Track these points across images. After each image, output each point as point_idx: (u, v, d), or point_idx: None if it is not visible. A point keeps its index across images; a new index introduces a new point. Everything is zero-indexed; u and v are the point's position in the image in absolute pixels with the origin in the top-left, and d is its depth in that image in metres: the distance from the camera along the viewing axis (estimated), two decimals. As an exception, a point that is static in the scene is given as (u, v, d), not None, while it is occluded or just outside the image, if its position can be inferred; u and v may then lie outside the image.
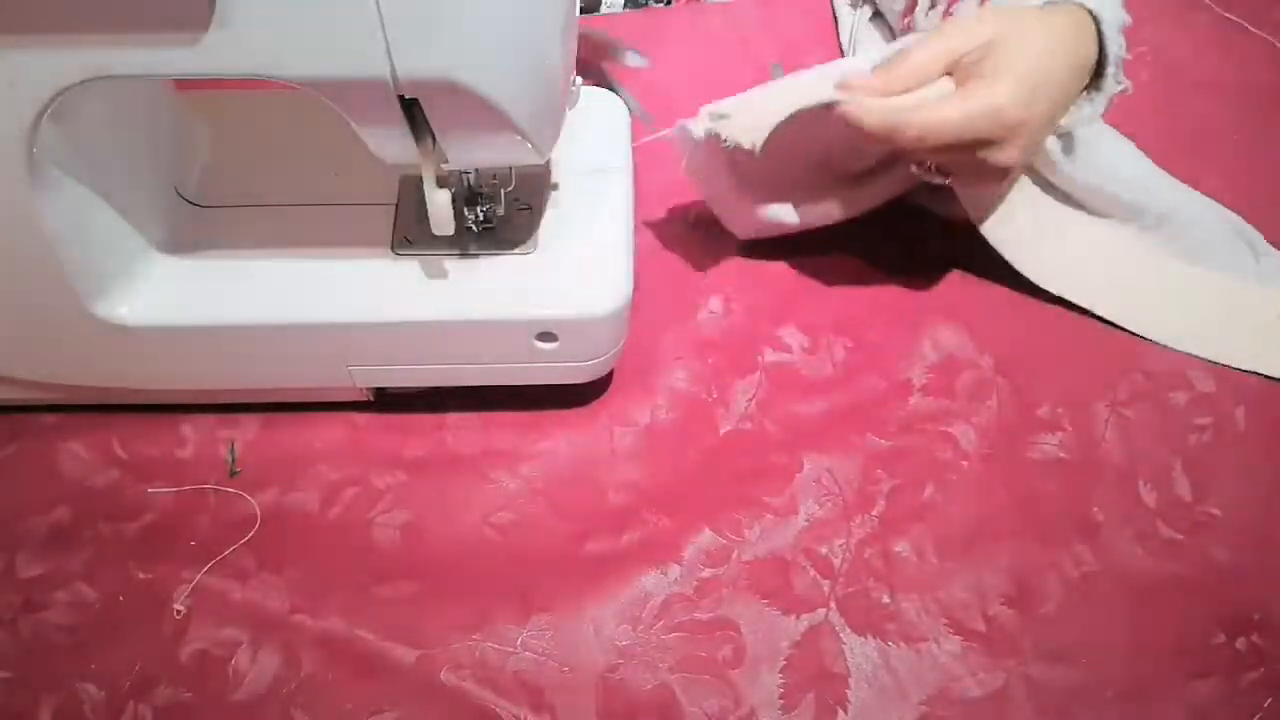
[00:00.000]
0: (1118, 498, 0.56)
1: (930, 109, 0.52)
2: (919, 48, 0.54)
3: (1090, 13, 0.55)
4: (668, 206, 0.67)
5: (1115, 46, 0.55)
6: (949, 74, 0.53)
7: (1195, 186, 0.68)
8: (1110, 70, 0.56)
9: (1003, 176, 0.55)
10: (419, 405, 0.59)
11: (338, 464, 0.57)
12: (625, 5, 0.80)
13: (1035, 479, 0.57)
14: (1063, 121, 0.57)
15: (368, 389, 0.58)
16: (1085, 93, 0.57)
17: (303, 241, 0.54)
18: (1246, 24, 0.78)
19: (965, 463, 0.57)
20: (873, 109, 0.52)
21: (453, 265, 0.53)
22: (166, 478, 0.57)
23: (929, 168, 0.57)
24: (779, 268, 0.65)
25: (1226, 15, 0.78)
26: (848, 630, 0.52)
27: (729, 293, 0.64)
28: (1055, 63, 0.53)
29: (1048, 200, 0.63)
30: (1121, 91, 0.57)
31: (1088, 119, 0.58)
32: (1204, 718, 0.50)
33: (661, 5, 0.79)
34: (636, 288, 0.53)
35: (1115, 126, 0.71)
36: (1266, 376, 0.60)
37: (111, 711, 0.49)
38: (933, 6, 0.66)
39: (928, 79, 0.53)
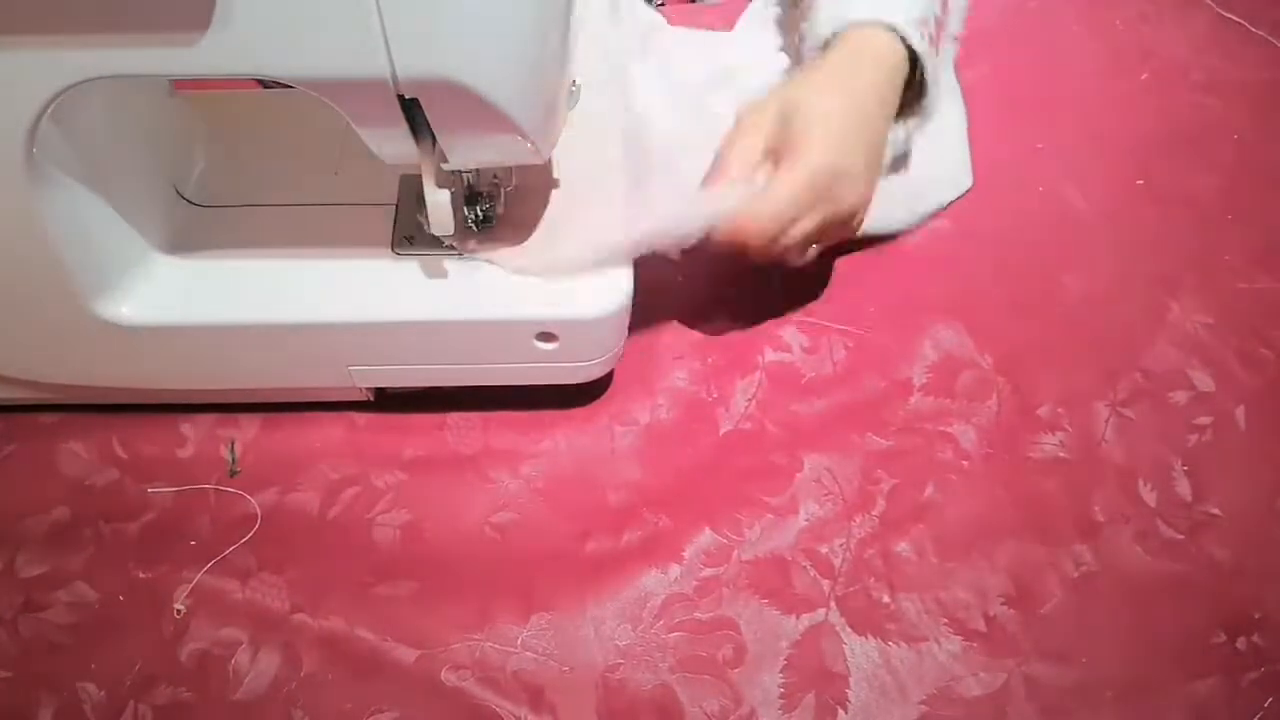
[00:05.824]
0: (1118, 498, 0.56)
1: (759, 199, 0.52)
2: (729, 155, 0.54)
3: (891, 28, 0.55)
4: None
5: (921, 43, 0.55)
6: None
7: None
8: (930, 78, 0.57)
9: (855, 224, 0.57)
10: (419, 405, 0.59)
11: (338, 464, 0.57)
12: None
13: (1035, 479, 0.57)
14: (896, 136, 0.57)
15: (368, 389, 0.58)
16: (910, 107, 0.58)
17: (303, 241, 0.54)
18: (1246, 23, 0.78)
19: (965, 462, 0.57)
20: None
21: (453, 265, 0.53)
22: (166, 478, 0.57)
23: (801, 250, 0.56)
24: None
25: (1226, 15, 0.78)
26: (848, 630, 0.52)
27: (729, 293, 0.64)
28: (856, 99, 0.54)
29: None
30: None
31: (915, 129, 0.59)
32: (1204, 718, 0.50)
33: (654, 6, 0.79)
34: (636, 288, 0.53)
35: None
36: None
37: (111, 711, 0.49)
38: None
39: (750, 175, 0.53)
